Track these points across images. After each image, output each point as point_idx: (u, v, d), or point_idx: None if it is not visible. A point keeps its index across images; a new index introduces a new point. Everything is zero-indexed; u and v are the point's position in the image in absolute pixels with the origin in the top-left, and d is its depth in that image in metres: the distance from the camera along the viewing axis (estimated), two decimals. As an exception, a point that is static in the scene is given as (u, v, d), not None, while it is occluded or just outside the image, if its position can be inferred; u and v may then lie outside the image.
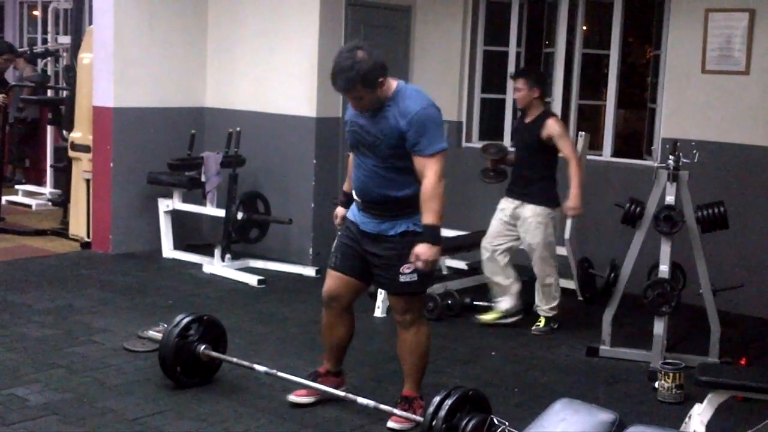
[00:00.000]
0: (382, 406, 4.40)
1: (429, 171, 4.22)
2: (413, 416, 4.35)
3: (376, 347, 5.75)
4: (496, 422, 3.94)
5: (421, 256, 4.20)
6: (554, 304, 6.34)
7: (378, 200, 4.40)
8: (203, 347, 4.90)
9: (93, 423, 4.43)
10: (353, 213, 4.57)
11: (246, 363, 4.70)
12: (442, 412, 3.90)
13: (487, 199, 8.18)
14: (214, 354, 4.94)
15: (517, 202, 6.26)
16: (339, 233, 4.69)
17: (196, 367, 4.92)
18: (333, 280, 4.62)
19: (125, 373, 5.13)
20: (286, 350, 5.48)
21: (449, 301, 6.59)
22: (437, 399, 3.96)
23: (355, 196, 4.54)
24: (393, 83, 4.32)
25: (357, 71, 4.16)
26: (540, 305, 6.35)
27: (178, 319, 4.93)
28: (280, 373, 4.69)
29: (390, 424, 4.46)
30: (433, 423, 3.89)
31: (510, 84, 8.36)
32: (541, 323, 6.32)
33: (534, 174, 6.24)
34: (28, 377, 5.00)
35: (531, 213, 6.17)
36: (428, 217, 4.22)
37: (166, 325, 5.01)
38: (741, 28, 6.83)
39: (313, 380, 4.74)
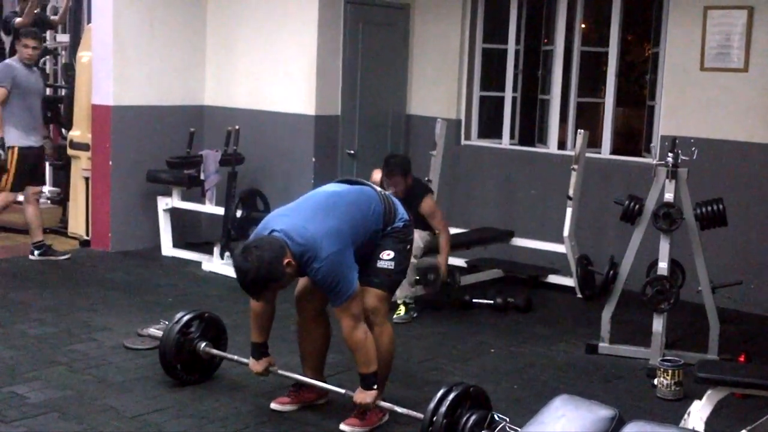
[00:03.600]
0: (383, 403, 4.41)
1: (342, 322, 4.26)
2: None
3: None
4: (496, 418, 3.95)
5: (359, 402, 4.33)
6: (408, 291, 6.38)
7: None
8: (204, 344, 4.90)
9: (93, 420, 4.44)
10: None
11: (246, 360, 4.70)
12: (443, 408, 3.90)
13: (486, 197, 8.22)
14: (215, 351, 4.95)
15: None
16: None
17: (196, 364, 4.92)
18: (301, 283, 4.59)
19: (125, 371, 5.14)
20: (286, 348, 5.46)
21: (449, 280, 6.58)
22: (438, 395, 3.97)
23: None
24: (290, 255, 4.16)
25: (258, 273, 4.07)
26: (397, 294, 6.29)
27: (178, 316, 4.94)
28: (281, 371, 4.69)
29: (342, 427, 4.44)
30: (434, 419, 3.90)
31: (509, 83, 8.40)
32: (402, 311, 6.36)
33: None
34: (28, 375, 5.00)
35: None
36: (359, 367, 4.33)
37: (166, 323, 5.01)
38: (740, 26, 6.84)
39: (295, 389, 4.72)
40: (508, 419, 3.92)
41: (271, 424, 4.52)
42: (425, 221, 6.55)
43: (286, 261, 4.09)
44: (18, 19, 9.75)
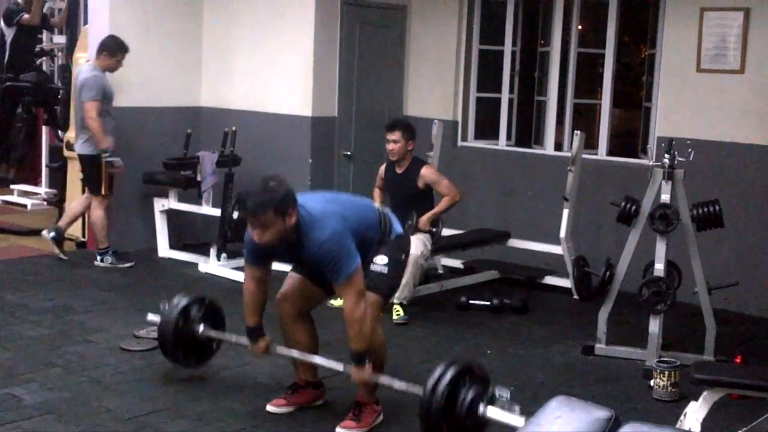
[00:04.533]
0: (382, 378, 4.42)
1: (346, 296, 4.25)
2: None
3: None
4: (497, 393, 3.94)
5: (358, 380, 4.34)
6: (410, 293, 6.43)
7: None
8: (203, 327, 4.87)
9: (89, 422, 4.44)
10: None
11: (245, 341, 4.67)
12: (443, 384, 3.88)
13: (482, 198, 8.22)
14: (214, 333, 4.91)
15: None
16: None
17: (195, 347, 4.89)
18: (290, 280, 4.61)
19: (121, 373, 5.13)
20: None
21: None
22: (438, 371, 3.94)
23: None
24: (295, 216, 4.21)
25: (270, 198, 4.11)
26: (398, 295, 6.32)
27: (178, 299, 4.92)
28: (280, 349, 4.63)
29: (339, 430, 4.42)
30: (434, 394, 3.87)
31: (506, 84, 8.40)
32: (401, 312, 6.36)
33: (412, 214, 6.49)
34: (25, 376, 5.00)
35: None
36: (352, 343, 4.29)
37: (167, 306, 4.96)
38: (736, 27, 6.84)
39: (291, 392, 4.71)
40: (508, 393, 3.90)
41: (267, 425, 4.52)
42: (428, 199, 6.59)
43: (292, 212, 4.15)
44: (26, 16, 9.75)
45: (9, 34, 9.93)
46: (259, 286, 4.49)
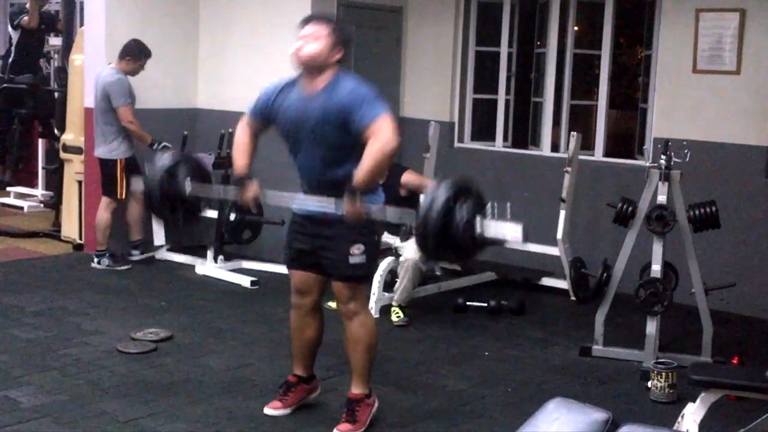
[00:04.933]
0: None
1: (383, 128, 4.09)
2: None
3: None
4: (491, 207, 3.84)
5: (347, 211, 4.09)
6: (409, 295, 6.43)
7: (323, 182, 4.31)
8: (189, 184, 4.52)
9: (86, 425, 4.43)
10: (296, 202, 4.47)
11: (232, 192, 4.51)
12: (438, 202, 3.76)
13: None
14: (200, 188, 4.57)
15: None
16: (288, 231, 4.58)
17: (181, 204, 4.60)
18: (297, 276, 4.55)
19: (118, 375, 5.13)
20: (281, 352, 5.47)
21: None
22: (431, 192, 3.82)
23: (300, 179, 4.48)
24: (334, 71, 4.27)
25: (336, 20, 4.23)
26: (397, 298, 6.40)
27: (161, 159, 4.65)
28: (269, 195, 4.52)
29: None
30: (429, 213, 3.76)
31: (502, 85, 8.40)
32: (401, 314, 6.35)
33: None
34: (21, 379, 4.99)
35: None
36: (361, 172, 4.10)
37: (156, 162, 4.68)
38: (732, 28, 6.85)
39: (284, 392, 4.68)
40: (509, 206, 3.84)
41: (265, 428, 4.52)
42: (412, 205, 6.56)
43: (342, 50, 4.27)
44: (25, 18, 9.75)
45: (15, 36, 9.94)
46: (252, 135, 4.49)
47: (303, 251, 4.47)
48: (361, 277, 4.44)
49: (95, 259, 7.61)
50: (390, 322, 6.25)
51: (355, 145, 4.16)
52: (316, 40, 4.24)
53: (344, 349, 4.54)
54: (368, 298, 4.62)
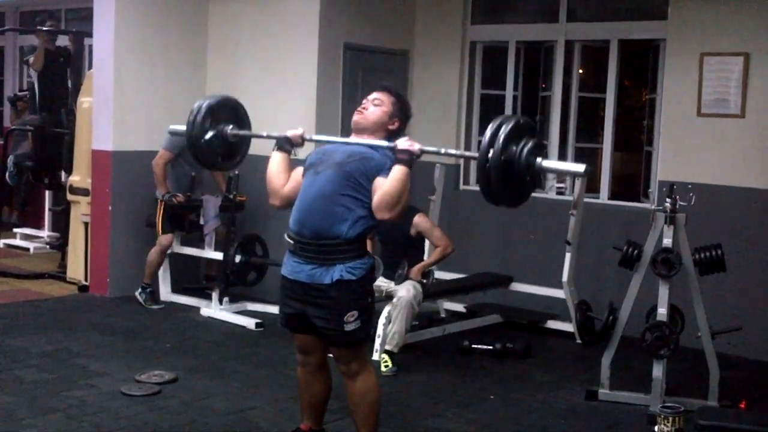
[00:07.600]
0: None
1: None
2: None
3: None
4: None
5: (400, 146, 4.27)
6: (401, 340, 6.29)
7: (318, 235, 4.26)
8: (231, 127, 4.86)
9: (90, 468, 4.41)
10: (285, 265, 4.39)
11: (266, 134, 4.72)
12: (499, 143, 3.93)
13: (484, 242, 8.22)
14: (242, 132, 4.91)
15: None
16: (280, 291, 4.45)
17: (223, 146, 4.91)
18: (299, 338, 4.47)
19: (122, 418, 5.10)
20: (285, 394, 5.45)
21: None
22: (490, 129, 4.00)
23: (287, 237, 4.42)
24: (396, 127, 4.47)
25: (403, 96, 4.49)
26: (390, 343, 6.24)
27: (200, 102, 4.89)
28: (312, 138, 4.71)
29: None
30: (490, 153, 3.94)
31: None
32: (389, 363, 6.18)
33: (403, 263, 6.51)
34: (25, 421, 4.97)
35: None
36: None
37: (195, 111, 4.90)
38: (736, 72, 6.89)
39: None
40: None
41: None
42: (420, 247, 6.59)
43: (398, 123, 4.49)
44: (31, 59, 9.81)
45: (33, 76, 9.99)
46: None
47: (295, 315, 4.36)
48: (361, 340, 4.35)
49: (139, 289, 7.82)
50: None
51: (363, 205, 4.22)
52: (377, 107, 4.39)
53: (348, 405, 4.47)
54: (369, 354, 4.52)
